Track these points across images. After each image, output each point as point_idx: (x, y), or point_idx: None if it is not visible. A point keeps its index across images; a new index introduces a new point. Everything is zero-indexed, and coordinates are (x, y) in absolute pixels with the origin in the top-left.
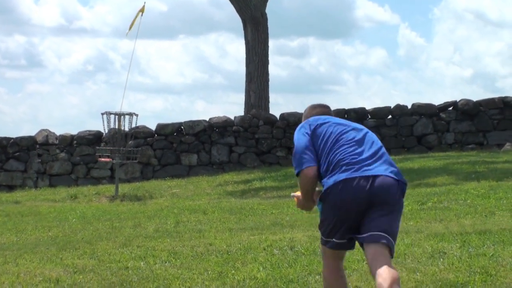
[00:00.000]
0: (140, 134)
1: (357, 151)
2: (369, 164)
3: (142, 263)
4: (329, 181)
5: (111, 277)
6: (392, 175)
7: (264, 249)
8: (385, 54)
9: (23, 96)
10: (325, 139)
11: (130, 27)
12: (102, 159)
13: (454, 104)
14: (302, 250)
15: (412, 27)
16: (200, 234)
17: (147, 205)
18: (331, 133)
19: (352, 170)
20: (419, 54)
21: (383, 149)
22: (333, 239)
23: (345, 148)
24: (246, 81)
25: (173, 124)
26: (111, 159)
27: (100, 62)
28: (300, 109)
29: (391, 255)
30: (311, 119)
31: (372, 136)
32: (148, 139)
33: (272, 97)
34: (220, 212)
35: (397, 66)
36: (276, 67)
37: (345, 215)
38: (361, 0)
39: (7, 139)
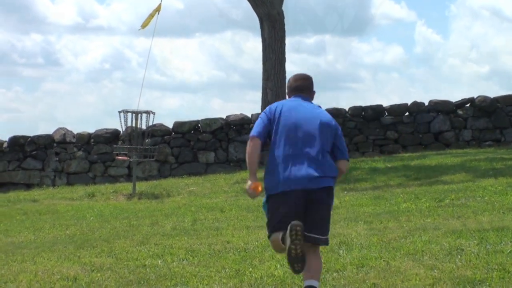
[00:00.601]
0: (157, 132)
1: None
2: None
3: (159, 261)
4: None
5: (128, 275)
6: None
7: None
8: (401, 51)
9: (40, 95)
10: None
11: (144, 25)
12: (120, 157)
13: (471, 101)
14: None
15: (428, 24)
16: (217, 232)
17: (164, 203)
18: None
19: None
20: (436, 51)
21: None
22: None
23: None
24: (263, 78)
25: (190, 122)
26: (128, 157)
27: (117, 60)
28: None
29: None
30: (273, 108)
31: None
32: (165, 137)
33: None
34: (238, 210)
35: (414, 63)
36: (293, 65)
37: None
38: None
39: (25, 137)
